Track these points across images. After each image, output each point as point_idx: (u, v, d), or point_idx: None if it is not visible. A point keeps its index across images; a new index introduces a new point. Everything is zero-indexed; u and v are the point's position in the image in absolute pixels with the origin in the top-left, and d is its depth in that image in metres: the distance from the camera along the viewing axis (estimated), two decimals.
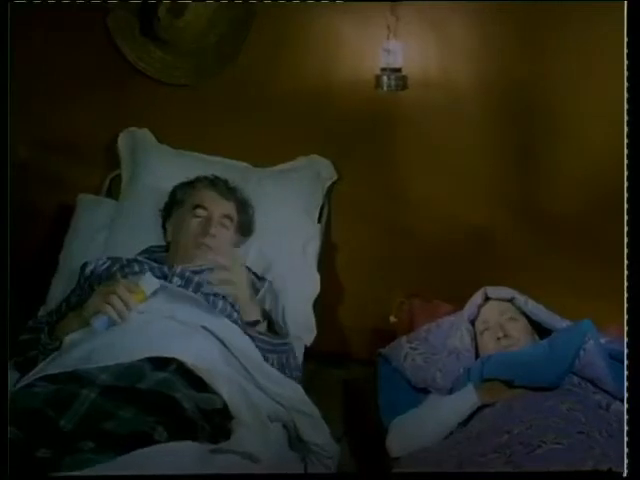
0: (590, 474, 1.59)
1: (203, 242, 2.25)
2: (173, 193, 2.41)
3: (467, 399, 2.03)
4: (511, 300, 2.28)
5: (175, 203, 2.39)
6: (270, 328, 2.12)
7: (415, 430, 2.06)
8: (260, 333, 2.07)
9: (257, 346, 2.02)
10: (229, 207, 2.35)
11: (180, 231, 2.31)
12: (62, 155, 2.78)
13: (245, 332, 2.03)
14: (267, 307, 2.23)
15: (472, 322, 2.30)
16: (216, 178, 2.40)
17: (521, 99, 2.51)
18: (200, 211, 2.30)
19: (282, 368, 2.06)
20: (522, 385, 2.00)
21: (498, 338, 2.19)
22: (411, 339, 2.31)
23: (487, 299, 2.31)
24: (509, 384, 2.02)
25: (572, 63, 2.41)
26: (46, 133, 2.76)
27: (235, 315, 2.06)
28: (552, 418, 1.81)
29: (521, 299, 2.28)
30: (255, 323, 2.08)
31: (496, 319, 2.24)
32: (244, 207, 2.42)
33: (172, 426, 1.59)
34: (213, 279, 2.06)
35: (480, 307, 2.30)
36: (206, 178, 2.40)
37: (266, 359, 2.02)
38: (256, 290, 2.25)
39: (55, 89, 2.71)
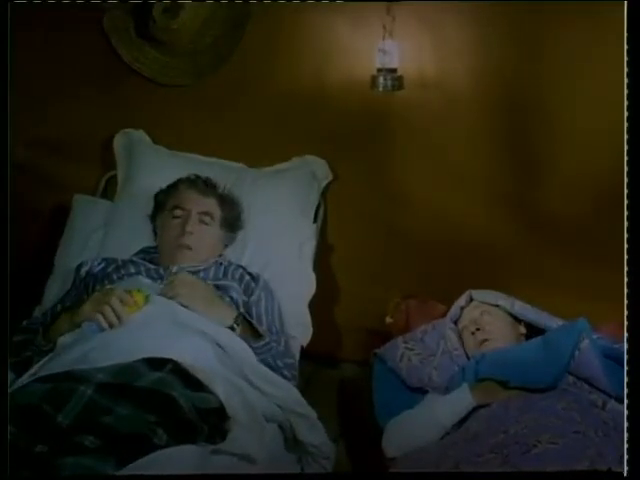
0: (590, 474, 1.59)
1: (182, 242, 2.25)
2: (156, 198, 2.43)
3: (462, 399, 2.02)
4: (497, 305, 2.28)
5: (158, 207, 2.40)
6: (247, 330, 2.08)
7: (411, 430, 2.05)
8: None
9: None
10: (208, 204, 2.35)
11: (162, 234, 2.33)
12: (58, 155, 2.78)
13: None
14: (262, 306, 2.23)
15: (455, 323, 2.32)
16: (196, 177, 2.41)
17: (518, 99, 2.50)
18: (178, 211, 2.31)
19: (270, 370, 2.03)
20: (518, 387, 2.00)
21: (472, 333, 2.21)
22: (407, 339, 2.30)
23: (471, 300, 2.32)
24: (504, 385, 2.01)
25: (569, 62, 2.40)
26: (42, 133, 2.76)
27: None
28: (548, 418, 1.81)
29: (507, 302, 2.28)
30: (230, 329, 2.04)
31: (470, 315, 2.26)
32: (227, 202, 2.41)
33: (171, 428, 1.59)
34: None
35: (463, 309, 2.32)
36: (187, 179, 2.41)
37: None
38: (251, 290, 2.25)
39: (51, 89, 2.71)
